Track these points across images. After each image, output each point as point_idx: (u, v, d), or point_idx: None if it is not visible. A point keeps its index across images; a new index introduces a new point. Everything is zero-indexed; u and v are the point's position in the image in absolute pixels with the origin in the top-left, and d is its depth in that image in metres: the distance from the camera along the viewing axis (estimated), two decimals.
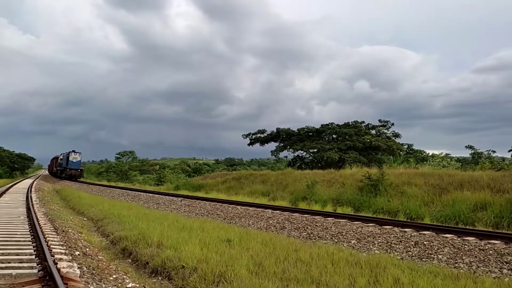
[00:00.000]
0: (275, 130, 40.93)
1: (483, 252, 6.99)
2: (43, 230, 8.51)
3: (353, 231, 9.12)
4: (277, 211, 12.70)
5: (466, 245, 7.39)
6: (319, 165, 37.19)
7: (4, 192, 21.27)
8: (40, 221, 9.86)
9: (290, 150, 40.34)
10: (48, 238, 7.51)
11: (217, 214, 13.22)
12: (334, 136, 39.91)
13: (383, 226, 9.40)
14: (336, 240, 8.72)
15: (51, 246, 6.82)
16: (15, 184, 33.80)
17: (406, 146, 40.09)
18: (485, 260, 6.68)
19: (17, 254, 6.29)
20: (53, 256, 5.94)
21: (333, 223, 10.14)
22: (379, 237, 8.48)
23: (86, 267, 6.03)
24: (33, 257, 6.16)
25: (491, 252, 6.94)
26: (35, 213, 11.31)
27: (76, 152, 48.41)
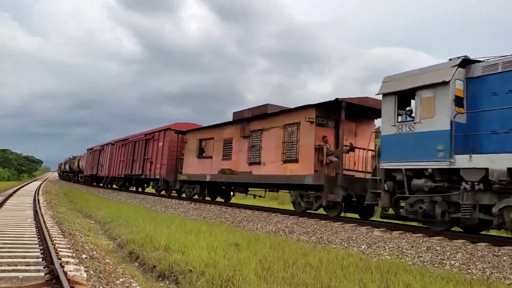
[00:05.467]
0: None
1: (496, 258, 6.82)
2: (50, 233, 8.49)
3: (363, 236, 8.98)
4: (286, 215, 12.58)
5: (479, 250, 7.22)
6: None
7: (11, 195, 21.40)
8: (47, 224, 9.86)
9: None
10: (55, 241, 7.48)
11: (225, 218, 13.14)
12: None
13: (394, 231, 9.24)
14: (346, 245, 8.59)
15: (58, 249, 6.79)
16: (22, 187, 34.03)
17: None
18: (499, 266, 6.51)
19: (24, 257, 6.27)
20: (60, 259, 5.90)
21: (342, 227, 10.00)
22: (390, 242, 8.33)
23: (93, 271, 5.98)
24: (40, 260, 6.13)
25: (505, 258, 6.77)
26: (42, 216, 11.32)
27: None
